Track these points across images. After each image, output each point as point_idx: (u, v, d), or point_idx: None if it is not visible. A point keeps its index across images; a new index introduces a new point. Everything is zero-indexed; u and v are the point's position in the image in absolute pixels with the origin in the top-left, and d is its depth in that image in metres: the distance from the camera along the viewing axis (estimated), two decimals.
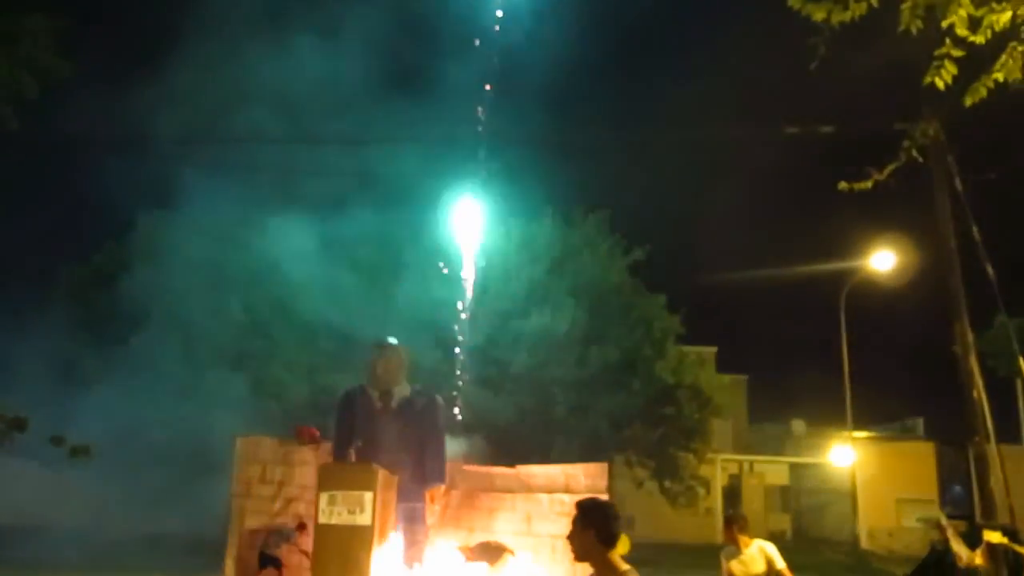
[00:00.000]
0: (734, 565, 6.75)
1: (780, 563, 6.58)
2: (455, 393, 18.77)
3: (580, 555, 3.45)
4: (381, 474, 14.51)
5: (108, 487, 23.22)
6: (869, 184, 7.69)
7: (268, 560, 14.97)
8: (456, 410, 18.37)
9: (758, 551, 6.68)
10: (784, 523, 36.62)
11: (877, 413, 38.78)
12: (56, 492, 22.61)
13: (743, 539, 6.79)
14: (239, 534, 15.80)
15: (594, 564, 3.37)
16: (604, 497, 3.81)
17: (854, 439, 27.47)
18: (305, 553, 14.70)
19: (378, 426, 16.63)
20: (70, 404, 16.18)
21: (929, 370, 60.30)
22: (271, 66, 18.22)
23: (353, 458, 15.74)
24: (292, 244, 18.78)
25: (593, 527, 3.43)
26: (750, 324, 63.56)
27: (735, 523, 6.94)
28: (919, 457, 37.55)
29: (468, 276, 20.02)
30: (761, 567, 6.59)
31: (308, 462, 16.28)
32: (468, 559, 3.75)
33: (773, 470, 40.86)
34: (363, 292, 19.38)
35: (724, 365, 36.08)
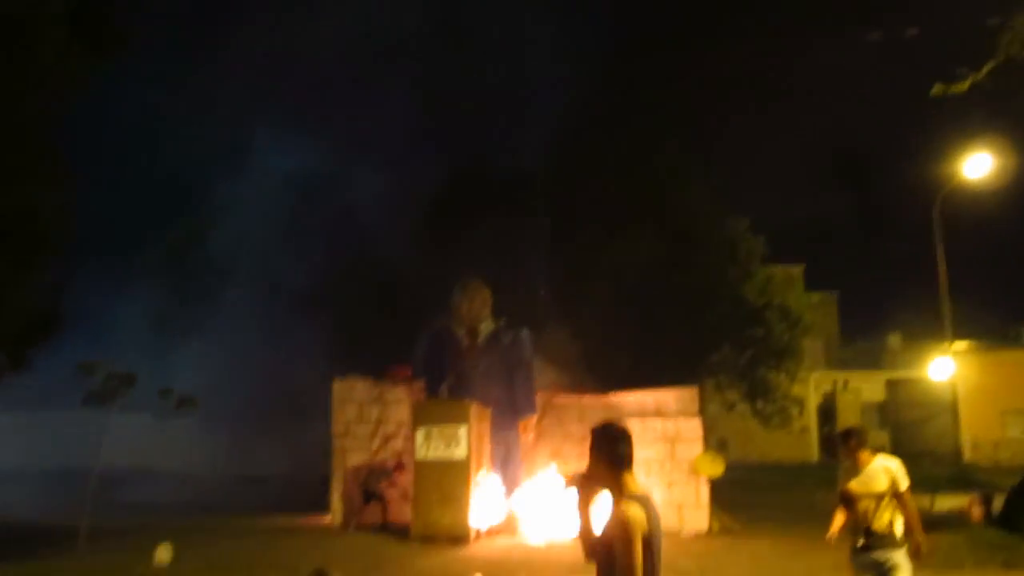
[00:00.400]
0: (853, 484, 6.02)
1: (904, 483, 5.94)
2: (542, 326, 18.90)
3: (596, 480, 3.45)
4: (474, 408, 14.94)
5: (212, 435, 24.50)
6: (965, 86, 7.27)
7: (371, 495, 15.61)
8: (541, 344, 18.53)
9: (881, 468, 5.98)
10: (882, 439, 36.01)
11: (977, 324, 37.39)
12: (166, 441, 23.95)
13: (863, 455, 6.03)
14: (343, 472, 16.58)
15: (609, 488, 3.38)
16: (618, 423, 3.70)
17: (954, 351, 26.61)
18: (404, 488, 15.30)
19: (467, 362, 17.04)
20: (172, 359, 17.00)
21: None
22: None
23: (445, 395, 16.21)
24: (371, 190, 19.05)
25: (601, 451, 3.43)
26: (839, 240, 61.69)
27: (852, 437, 6.12)
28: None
29: (543, 209, 19.95)
30: (883, 485, 5.91)
31: (402, 400, 16.89)
32: (568, 484, 3.73)
33: (868, 386, 40.05)
34: (442, 234, 19.58)
35: (813, 283, 35.28)
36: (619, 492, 3.33)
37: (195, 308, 20.38)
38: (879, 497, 5.90)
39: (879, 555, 5.84)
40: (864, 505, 5.93)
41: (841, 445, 6.20)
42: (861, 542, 5.95)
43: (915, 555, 5.86)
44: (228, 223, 20.09)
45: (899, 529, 5.89)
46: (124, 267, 20.44)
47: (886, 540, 5.86)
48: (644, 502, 3.31)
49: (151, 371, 14.93)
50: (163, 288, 20.98)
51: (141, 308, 20.26)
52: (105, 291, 19.96)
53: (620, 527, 3.12)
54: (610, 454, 3.42)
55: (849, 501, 6.01)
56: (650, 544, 3.17)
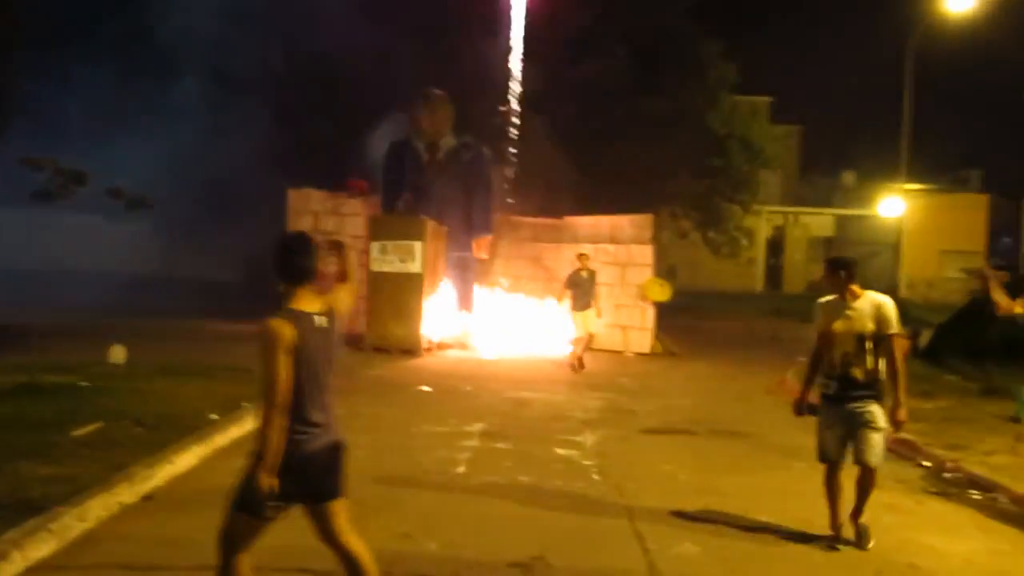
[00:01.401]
0: (837, 323, 5.09)
1: (894, 326, 5.05)
2: (504, 146, 18.63)
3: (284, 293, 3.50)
4: (430, 224, 14.97)
5: (163, 238, 24.31)
6: None
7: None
8: (504, 164, 18.35)
9: (870, 306, 5.08)
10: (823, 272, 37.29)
11: (934, 167, 37.84)
12: (115, 242, 23.69)
13: (853, 289, 5.12)
14: None
15: (282, 299, 3.47)
16: (302, 235, 3.64)
17: (905, 191, 27.07)
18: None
19: (425, 178, 16.89)
20: (122, 157, 16.45)
21: (994, 121, 58.00)
22: None
23: (402, 209, 16.14)
24: None
25: (276, 263, 3.50)
26: (809, 72, 60.64)
27: (842, 268, 5.17)
28: (970, 209, 37.16)
29: (514, 23, 19.14)
30: (870, 326, 5.03)
31: (358, 213, 16.82)
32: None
33: (819, 222, 40.94)
34: (408, 47, 18.76)
35: (779, 115, 35.05)
36: (282, 305, 3.42)
37: (145, 104, 19.51)
38: (863, 339, 5.06)
39: (856, 406, 5.05)
40: (844, 348, 5.08)
41: (828, 276, 5.27)
42: (834, 389, 5.12)
43: (894, 419, 5.06)
44: (180, 17, 18.96)
45: (881, 378, 5.10)
46: (70, 58, 19.31)
47: (865, 389, 5.06)
48: (297, 317, 3.36)
49: (98, 169, 14.49)
50: (109, 82, 20.01)
51: (87, 102, 19.40)
52: (48, 83, 19.02)
53: (258, 339, 3.24)
54: (284, 266, 3.46)
55: (828, 342, 5.15)
56: (301, 355, 3.28)
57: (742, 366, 13.98)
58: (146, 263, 24.33)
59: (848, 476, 5.25)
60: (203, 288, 21.99)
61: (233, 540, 3.37)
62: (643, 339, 15.50)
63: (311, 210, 16.91)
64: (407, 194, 16.11)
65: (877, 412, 5.07)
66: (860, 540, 5.19)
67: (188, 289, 21.75)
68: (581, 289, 12.77)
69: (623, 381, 12.08)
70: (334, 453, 3.48)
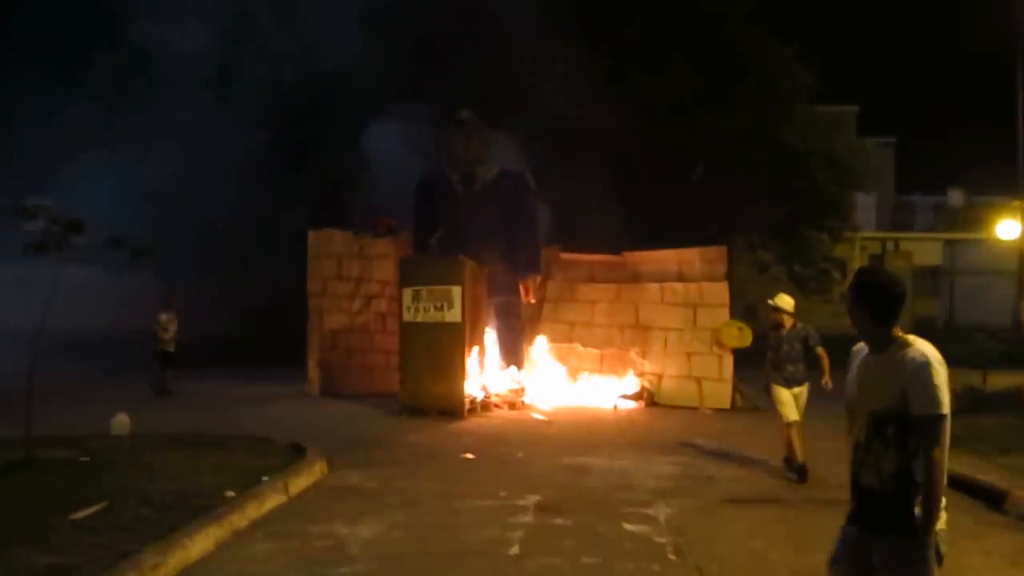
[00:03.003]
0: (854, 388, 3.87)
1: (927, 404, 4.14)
2: (549, 172, 18.73)
3: None
4: (469, 266, 15.08)
5: (172, 289, 24.75)
6: None
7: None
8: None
9: (900, 364, 4.45)
10: (934, 308, 36.58)
11: None
12: (118, 297, 24.14)
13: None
14: (320, 335, 16.92)
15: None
16: None
17: None
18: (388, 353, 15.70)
19: (461, 213, 17.03)
20: (110, 198, 16.86)
21: None
22: None
23: (436, 249, 16.30)
24: (347, 12, 18.45)
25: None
26: (901, 78, 60.33)
27: (866, 293, 4.36)
28: None
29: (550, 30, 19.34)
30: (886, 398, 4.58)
31: (387, 255, 17.05)
32: None
33: (923, 248, 40.26)
34: (433, 62, 19.10)
35: (867, 127, 34.82)
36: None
37: (134, 136, 19.99)
38: (877, 420, 4.56)
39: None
40: (856, 434, 4.74)
41: (849, 307, 3.75)
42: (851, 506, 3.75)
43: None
44: (176, 39, 19.57)
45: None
46: (50, 89, 20.01)
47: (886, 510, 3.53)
48: None
49: (90, 217, 14.87)
50: (94, 114, 20.60)
51: (68, 136, 20.02)
52: (25, 116, 19.73)
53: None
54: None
55: (849, 419, 5.54)
56: None
57: (840, 420, 13.67)
58: (149, 319, 24.79)
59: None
60: (213, 345, 22.30)
61: None
62: (721, 392, 15.35)
63: (334, 253, 17.19)
64: (441, 232, 16.28)
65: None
66: None
67: (197, 347, 22.09)
68: (784, 353, 9.80)
69: (699, 442, 11.93)
70: None
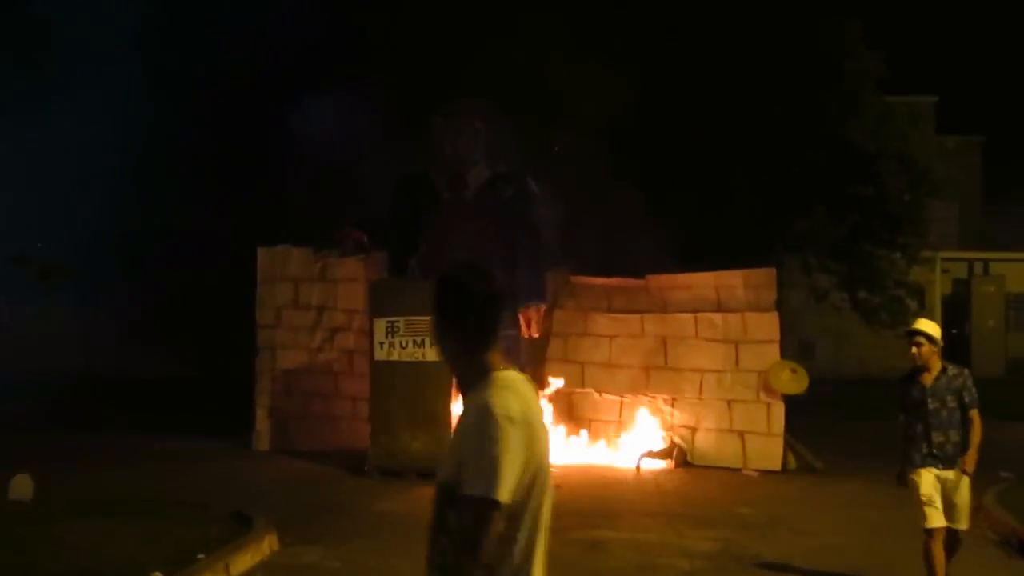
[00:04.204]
0: None
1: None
2: (557, 175, 18.76)
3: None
4: None
5: (87, 319, 24.78)
6: None
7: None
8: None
9: None
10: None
11: None
12: (22, 328, 24.15)
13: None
14: (271, 376, 16.85)
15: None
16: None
17: None
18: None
19: (449, 223, 17.05)
20: (17, 211, 16.93)
21: None
22: None
23: (416, 271, 16.27)
24: None
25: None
26: (989, 63, 60.58)
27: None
28: None
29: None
30: None
31: (355, 278, 17.02)
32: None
33: (1019, 271, 40.31)
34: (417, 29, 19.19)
35: (949, 122, 34.93)
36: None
37: (40, 135, 20.08)
38: None
39: None
40: None
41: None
42: None
43: None
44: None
45: None
46: None
47: None
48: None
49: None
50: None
51: None
52: None
53: None
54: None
55: None
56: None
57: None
58: (65, 355, 24.79)
59: None
60: (142, 388, 22.28)
61: None
62: (770, 449, 15.28)
63: (289, 276, 17.17)
64: (423, 247, 16.26)
65: None
66: None
67: (121, 390, 22.06)
68: (930, 415, 7.85)
69: (743, 512, 11.87)
70: None
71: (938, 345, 7.80)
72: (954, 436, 7.64)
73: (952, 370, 7.83)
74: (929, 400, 7.70)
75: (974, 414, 7.66)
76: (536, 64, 19.23)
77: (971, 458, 7.57)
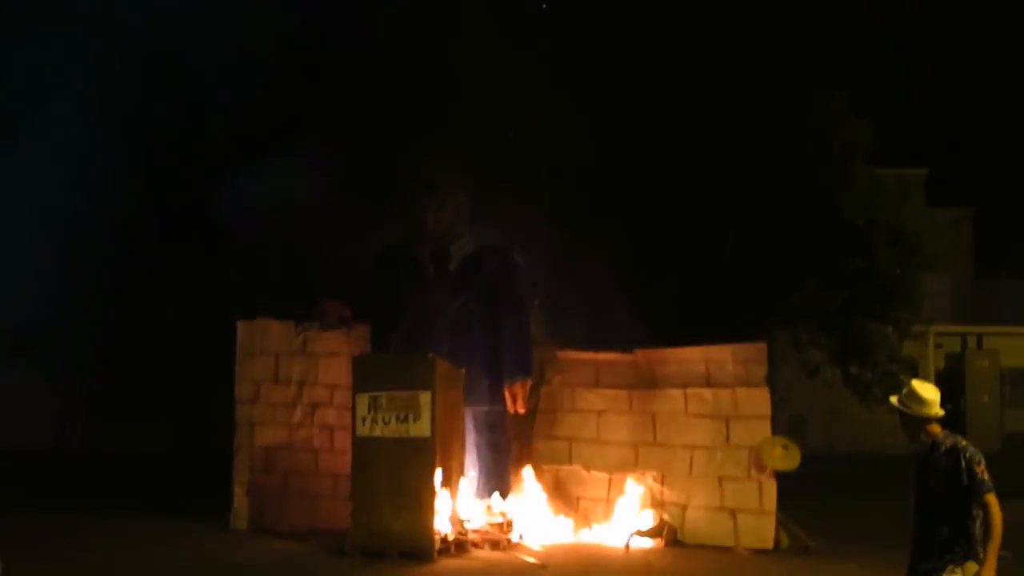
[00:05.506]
0: None
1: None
2: (542, 249, 18.83)
3: None
4: (441, 366, 15.05)
5: (57, 395, 24.66)
6: None
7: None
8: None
9: None
10: None
11: None
12: (4, 403, 24.00)
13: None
14: (249, 453, 16.73)
15: None
16: None
17: None
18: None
19: (432, 299, 17.06)
20: None
21: None
22: None
23: (400, 345, 16.26)
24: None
25: None
26: (979, 135, 61.41)
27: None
28: None
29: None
30: None
31: (337, 352, 16.98)
32: None
33: (1014, 346, 40.44)
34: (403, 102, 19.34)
35: (939, 194, 35.25)
36: None
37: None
38: None
39: None
40: None
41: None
42: None
43: None
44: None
45: None
46: None
47: None
48: None
49: None
50: None
51: None
52: None
53: None
54: None
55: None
56: None
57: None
58: (33, 432, 24.62)
59: None
60: (116, 465, 22.11)
61: None
62: (761, 528, 15.18)
63: (270, 349, 17.11)
64: (406, 323, 16.25)
65: None
66: None
67: (95, 467, 21.88)
68: (937, 495, 6.64)
69: None
70: None
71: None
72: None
73: (949, 440, 6.84)
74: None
75: (991, 499, 6.52)
76: (513, 120, 19.42)
77: (994, 541, 6.48)
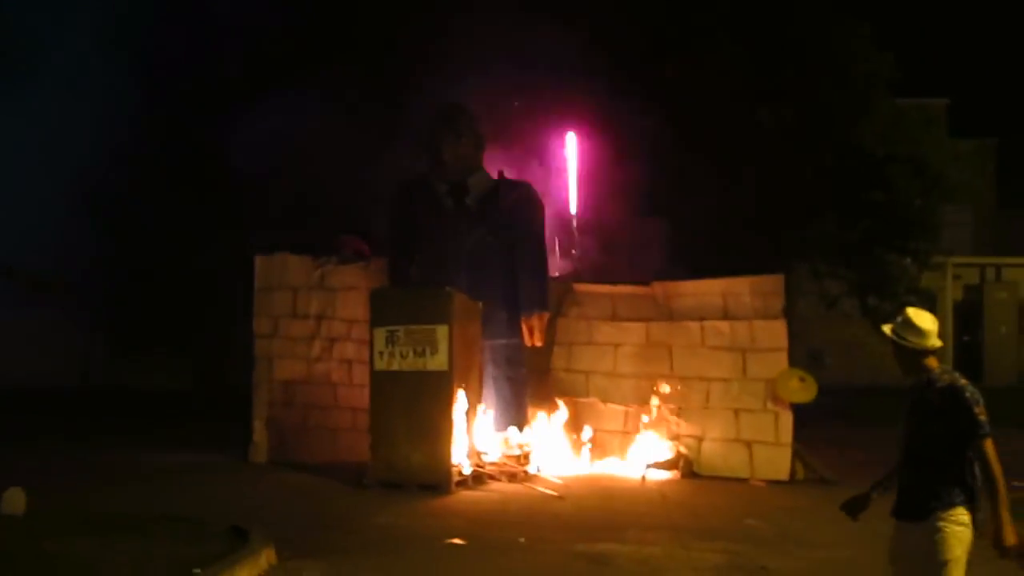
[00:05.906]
0: None
1: None
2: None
3: None
4: (458, 299, 15.08)
5: (80, 331, 24.81)
6: None
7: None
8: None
9: None
10: None
11: None
12: (12, 341, 24.17)
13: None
14: (269, 387, 16.86)
15: None
16: None
17: None
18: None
19: (450, 232, 17.08)
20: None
21: None
22: None
23: (417, 279, 16.27)
24: None
25: None
26: (1002, 65, 60.48)
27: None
28: None
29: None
30: None
31: (355, 287, 17.02)
32: None
33: None
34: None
35: (961, 125, 34.85)
36: None
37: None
38: None
39: None
40: None
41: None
42: None
43: None
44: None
45: None
46: None
47: None
48: None
49: None
50: None
51: None
52: None
53: None
54: None
55: None
56: None
57: None
58: (56, 368, 24.82)
59: None
60: (136, 400, 22.29)
61: None
62: (778, 460, 15.26)
63: (288, 284, 17.15)
64: (424, 256, 16.23)
65: None
66: None
67: (115, 402, 22.07)
68: (929, 436, 6.02)
69: (750, 524, 11.85)
70: None
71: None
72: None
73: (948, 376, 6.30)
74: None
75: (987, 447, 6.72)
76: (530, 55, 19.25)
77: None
